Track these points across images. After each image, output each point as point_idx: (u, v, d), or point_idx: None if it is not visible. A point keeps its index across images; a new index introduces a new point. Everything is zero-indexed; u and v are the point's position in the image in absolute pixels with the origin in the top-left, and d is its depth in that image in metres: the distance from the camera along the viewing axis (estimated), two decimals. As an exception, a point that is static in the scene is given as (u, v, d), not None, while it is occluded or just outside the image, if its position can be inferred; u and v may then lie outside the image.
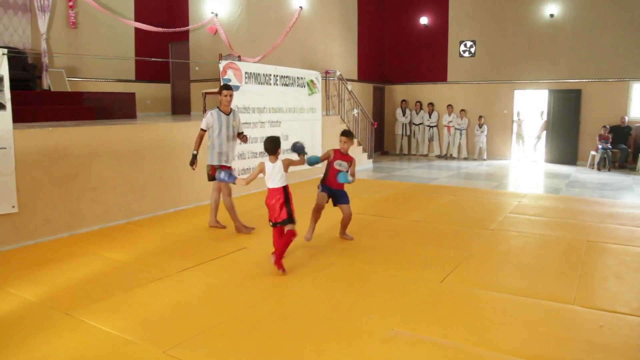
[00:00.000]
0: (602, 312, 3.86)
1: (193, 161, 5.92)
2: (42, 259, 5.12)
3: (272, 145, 4.75)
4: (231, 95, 5.96)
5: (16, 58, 8.59)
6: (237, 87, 8.42)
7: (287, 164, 4.76)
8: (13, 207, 5.47)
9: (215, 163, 5.92)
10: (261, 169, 4.77)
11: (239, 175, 8.53)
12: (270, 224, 4.81)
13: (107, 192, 6.46)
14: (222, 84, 6.00)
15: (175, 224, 6.57)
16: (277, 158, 4.76)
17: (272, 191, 4.73)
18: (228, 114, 5.94)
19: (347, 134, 5.56)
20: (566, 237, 6.03)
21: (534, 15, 14.11)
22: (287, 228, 4.70)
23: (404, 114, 16.08)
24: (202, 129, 5.91)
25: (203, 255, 5.20)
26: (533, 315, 3.82)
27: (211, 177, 5.96)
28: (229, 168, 5.98)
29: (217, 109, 5.93)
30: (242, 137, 6.18)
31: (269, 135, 5.08)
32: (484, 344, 3.34)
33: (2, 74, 5.34)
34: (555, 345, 3.34)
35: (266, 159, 4.83)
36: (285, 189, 4.72)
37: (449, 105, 15.35)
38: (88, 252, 5.35)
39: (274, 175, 4.71)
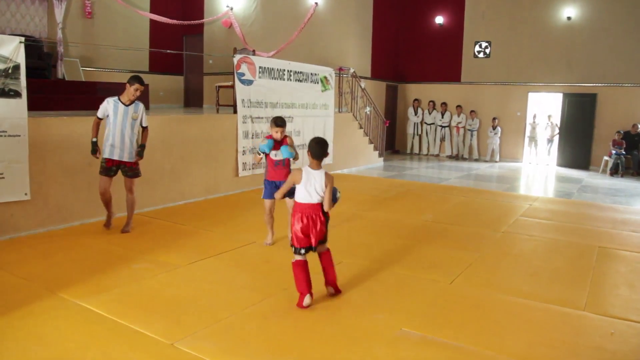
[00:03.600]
0: (613, 320, 3.82)
1: (95, 149, 5.46)
2: (52, 247, 5.15)
3: (321, 149, 3.86)
4: (141, 91, 5.49)
5: (32, 46, 8.63)
6: (251, 82, 8.42)
7: (332, 181, 3.91)
8: (26, 194, 5.50)
9: (107, 156, 5.48)
10: (295, 179, 3.87)
11: (250, 169, 8.54)
12: (299, 250, 3.88)
13: (118, 183, 6.46)
14: (135, 75, 5.54)
15: (184, 216, 6.58)
16: (320, 165, 3.90)
17: (307, 208, 3.85)
18: (128, 105, 5.49)
19: (282, 123, 5.11)
20: (577, 242, 5.97)
21: (551, 18, 13.96)
22: (321, 249, 4.01)
23: (415, 113, 16.00)
24: (97, 117, 5.46)
25: (212, 249, 5.20)
26: (543, 320, 3.78)
27: (101, 170, 5.52)
28: (127, 164, 5.57)
29: (116, 98, 5.48)
30: (144, 135, 5.69)
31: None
32: (493, 347, 3.32)
33: (18, 62, 5.37)
34: (565, 351, 3.31)
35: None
36: (322, 206, 3.89)
37: (458, 106, 15.26)
38: (98, 241, 5.38)
39: (315, 186, 3.82)
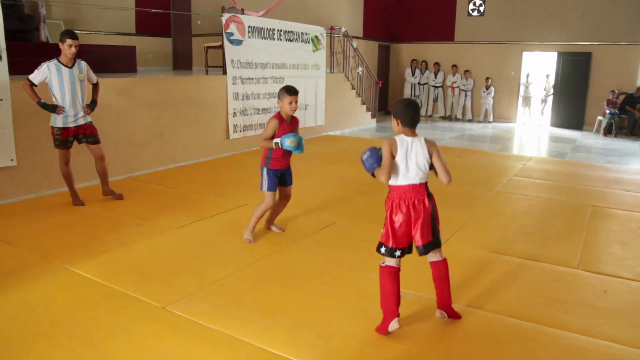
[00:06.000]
0: (606, 277, 3.83)
1: (54, 108, 4.95)
2: (41, 212, 5.07)
3: (415, 113, 2.92)
4: (76, 47, 4.93)
5: (12, 7, 8.33)
6: (240, 42, 8.22)
7: (437, 147, 2.96)
8: (12, 160, 5.39)
9: (60, 126, 5.03)
10: (393, 151, 2.83)
11: (242, 131, 8.43)
12: (394, 251, 2.87)
13: (107, 147, 6.32)
14: (65, 30, 4.98)
15: (175, 180, 6.50)
16: (415, 132, 2.94)
17: (407, 191, 2.85)
18: (71, 67, 5.01)
19: (295, 91, 4.10)
20: (571, 201, 5.96)
21: (547, -26, 13.66)
22: (434, 258, 3.00)
23: (413, 74, 15.70)
24: (32, 83, 4.88)
25: (203, 212, 5.15)
26: (536, 278, 3.79)
27: (57, 143, 5.10)
28: (87, 130, 5.16)
29: (55, 61, 4.93)
30: (95, 91, 5.31)
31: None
32: (487, 306, 3.32)
33: (-4, 22, 5.17)
34: (559, 309, 3.31)
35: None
36: (427, 187, 2.94)
37: (454, 66, 15.01)
38: (88, 206, 5.30)
39: (417, 160, 2.85)
